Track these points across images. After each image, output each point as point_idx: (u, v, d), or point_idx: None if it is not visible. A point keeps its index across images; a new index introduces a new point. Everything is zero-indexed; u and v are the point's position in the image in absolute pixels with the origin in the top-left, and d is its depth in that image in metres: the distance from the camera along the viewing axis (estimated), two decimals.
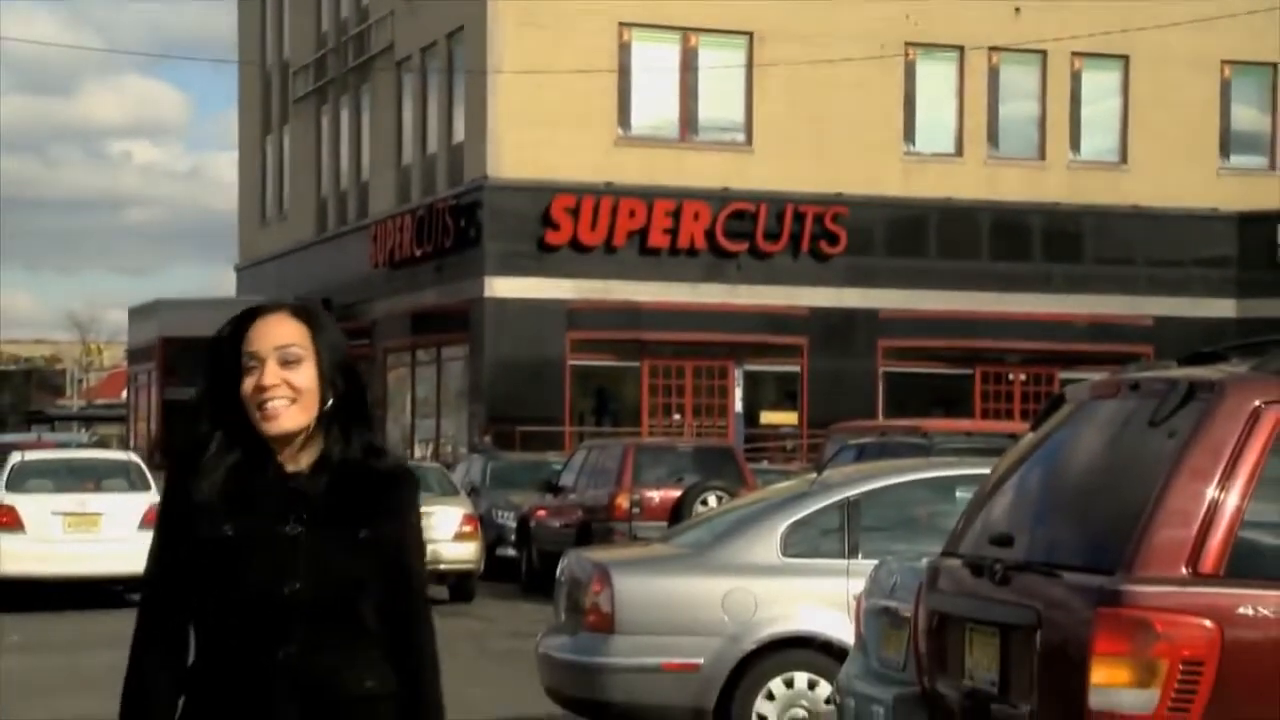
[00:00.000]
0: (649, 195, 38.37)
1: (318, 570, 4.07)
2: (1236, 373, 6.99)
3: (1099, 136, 42.08)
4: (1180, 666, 6.31)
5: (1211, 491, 6.48)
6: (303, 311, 4.17)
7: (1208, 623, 6.34)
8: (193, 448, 4.16)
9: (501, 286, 38.14)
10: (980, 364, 40.87)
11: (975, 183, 40.66)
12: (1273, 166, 43.04)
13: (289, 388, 4.09)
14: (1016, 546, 7.19)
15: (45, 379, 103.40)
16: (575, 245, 38.15)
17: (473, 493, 28.74)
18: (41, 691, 15.91)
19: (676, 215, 38.57)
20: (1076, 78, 41.83)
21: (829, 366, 39.57)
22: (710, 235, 38.78)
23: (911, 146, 40.88)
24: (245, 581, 4.06)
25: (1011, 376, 41.09)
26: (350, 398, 4.18)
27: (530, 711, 13.23)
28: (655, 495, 25.61)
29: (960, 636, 7.43)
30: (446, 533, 24.30)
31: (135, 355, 59.28)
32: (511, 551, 28.05)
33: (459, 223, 39.36)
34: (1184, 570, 6.42)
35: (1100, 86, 41.89)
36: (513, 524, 28.21)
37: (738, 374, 39.72)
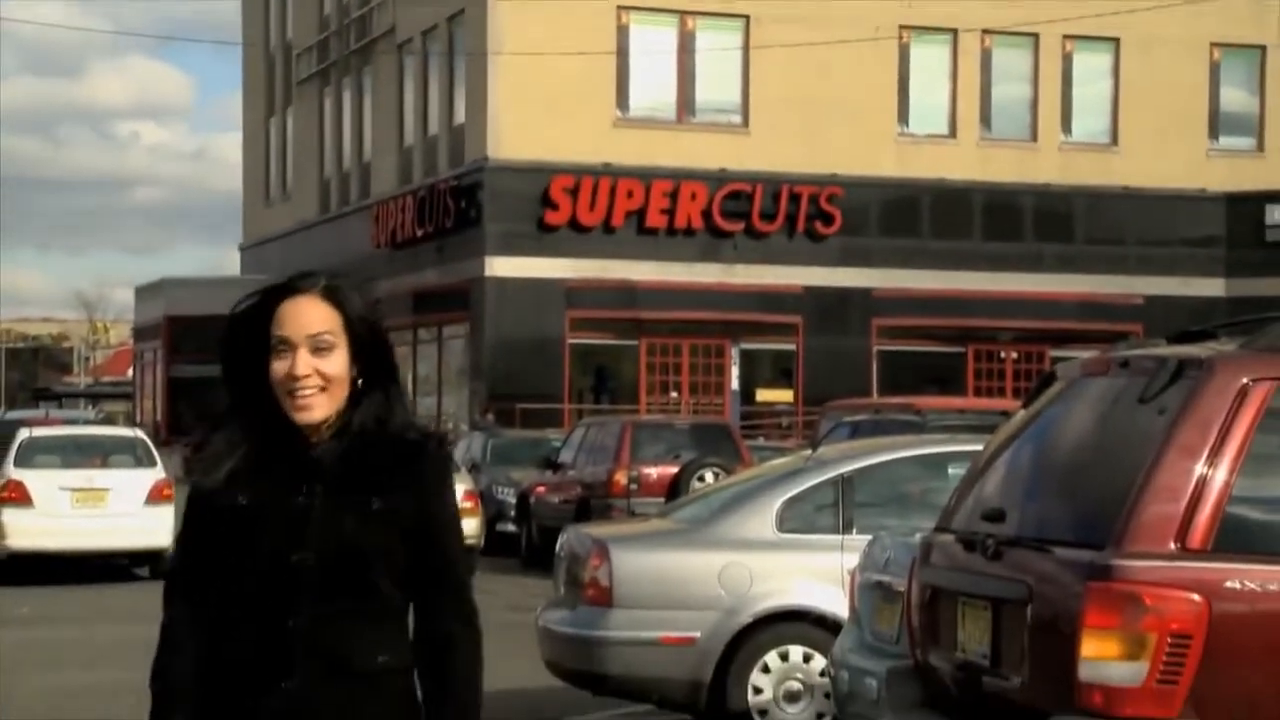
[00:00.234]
0: (647, 176, 38.42)
1: (327, 540, 3.99)
2: (1225, 350, 7.02)
3: (1090, 118, 42.12)
4: (1169, 640, 6.34)
5: (1200, 468, 6.50)
6: (333, 293, 4.07)
7: (1196, 597, 6.37)
8: (212, 429, 4.13)
9: (501, 266, 38.20)
10: (973, 342, 40.95)
11: (968, 164, 40.70)
12: (1260, 148, 43.03)
13: (320, 376, 4.03)
14: (1008, 522, 7.22)
15: (53, 357, 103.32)
16: (574, 225, 38.20)
17: (473, 469, 28.82)
18: (50, 664, 16.03)
19: (674, 196, 38.63)
20: (1068, 60, 41.87)
21: (824, 345, 39.63)
22: (707, 215, 38.83)
23: (905, 128, 40.92)
24: (257, 549, 4.00)
25: (1003, 355, 41.20)
26: (377, 369, 4.11)
27: (530, 684, 13.26)
28: (653, 472, 25.66)
29: (953, 610, 7.46)
30: None
31: (141, 333, 59.37)
32: (511, 527, 28.15)
33: (460, 203, 39.41)
34: (1173, 545, 6.44)
35: (1091, 69, 41.94)
36: (513, 500, 28.30)
37: (734, 352, 39.78)
